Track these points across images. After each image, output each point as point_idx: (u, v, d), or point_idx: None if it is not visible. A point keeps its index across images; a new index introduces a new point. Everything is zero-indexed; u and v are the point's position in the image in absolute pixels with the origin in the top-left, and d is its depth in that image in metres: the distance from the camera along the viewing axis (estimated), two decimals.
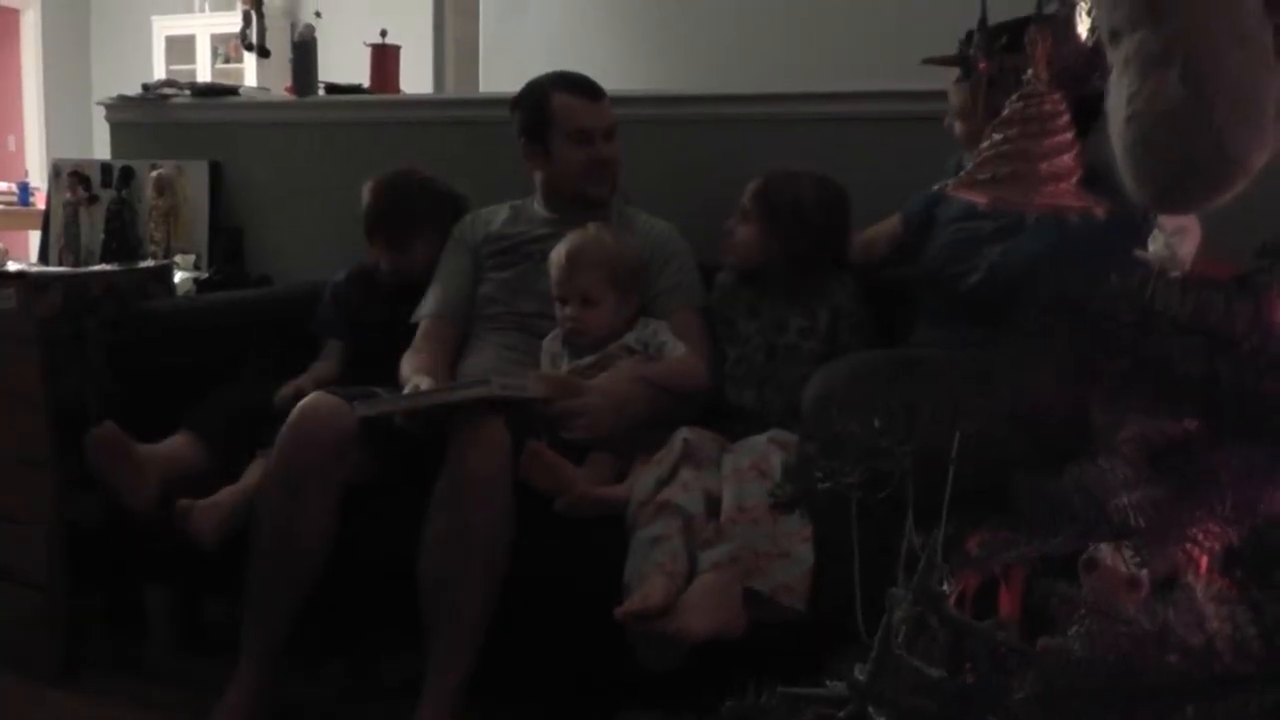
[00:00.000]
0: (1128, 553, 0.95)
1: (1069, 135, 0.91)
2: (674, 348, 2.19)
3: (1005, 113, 0.92)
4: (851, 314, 2.19)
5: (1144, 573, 0.98)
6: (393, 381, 2.21)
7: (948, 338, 2.02)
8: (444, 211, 2.51)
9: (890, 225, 2.34)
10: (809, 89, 2.68)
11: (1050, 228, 1.90)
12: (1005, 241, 2.02)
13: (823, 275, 2.21)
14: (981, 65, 0.96)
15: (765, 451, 1.87)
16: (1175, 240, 1.16)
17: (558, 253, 2.21)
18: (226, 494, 2.03)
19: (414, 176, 2.52)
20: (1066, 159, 0.90)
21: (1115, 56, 0.70)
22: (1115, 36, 0.70)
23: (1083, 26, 0.96)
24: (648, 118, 2.76)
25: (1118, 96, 0.70)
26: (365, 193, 2.50)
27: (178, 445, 2.14)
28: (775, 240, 2.20)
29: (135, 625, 2.39)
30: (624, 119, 2.49)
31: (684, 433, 1.94)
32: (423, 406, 1.98)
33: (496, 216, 2.51)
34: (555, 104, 2.38)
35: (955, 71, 1.91)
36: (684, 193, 2.63)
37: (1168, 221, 1.16)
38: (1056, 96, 0.91)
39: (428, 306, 2.42)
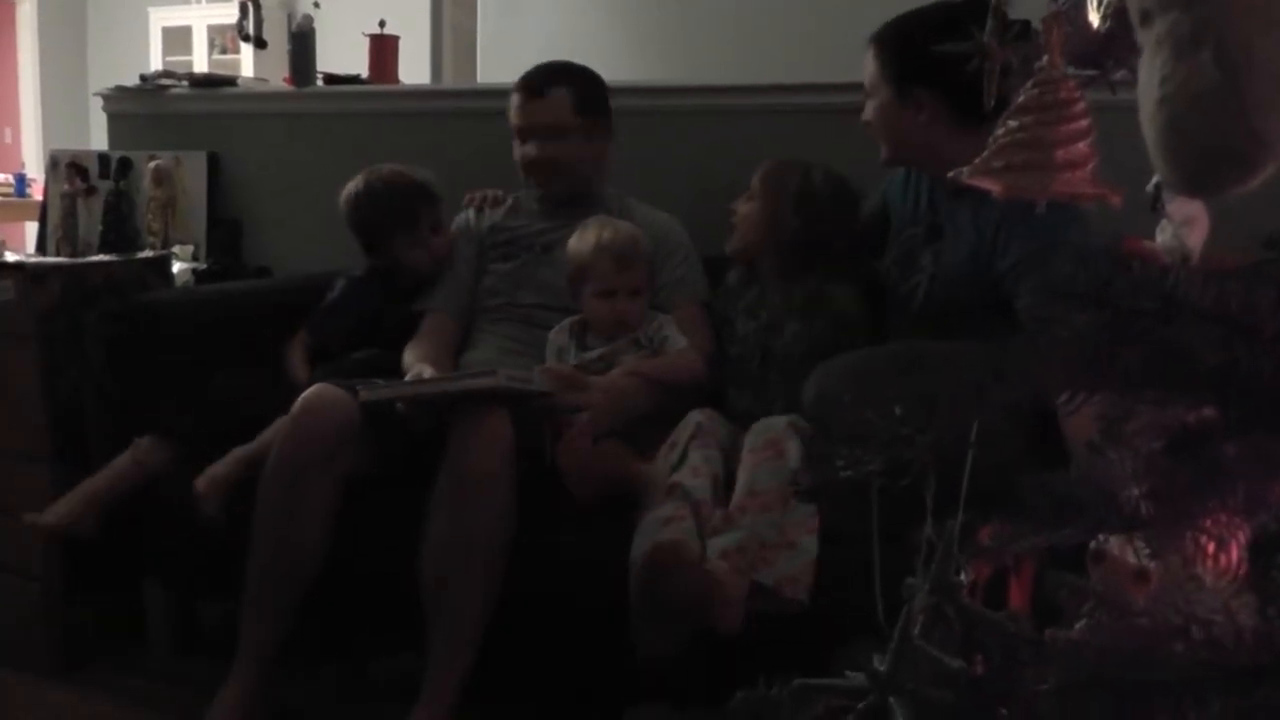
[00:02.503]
0: (1138, 544, 0.94)
1: (1084, 122, 0.90)
2: (675, 342, 2.19)
3: (1020, 100, 0.91)
4: (855, 327, 2.11)
5: (1153, 565, 0.98)
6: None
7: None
8: (378, 217, 2.43)
9: None
10: (807, 80, 2.68)
11: (963, 232, 1.92)
12: (934, 245, 2.03)
13: (824, 280, 2.15)
14: (995, 53, 0.95)
15: (784, 433, 1.84)
16: (1184, 231, 1.15)
17: (599, 244, 2.19)
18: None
19: (373, 183, 2.45)
20: (1082, 146, 0.89)
21: (1146, 38, 0.70)
22: (1146, 18, 0.69)
23: (1094, 14, 0.95)
24: (645, 109, 2.75)
25: (1149, 79, 0.69)
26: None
27: (132, 460, 2.12)
28: (776, 222, 2.15)
29: (133, 623, 2.38)
30: (621, 110, 2.48)
31: (696, 415, 1.93)
32: (427, 394, 1.96)
33: (500, 207, 2.51)
34: (510, 100, 2.39)
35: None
36: (682, 184, 2.62)
37: (1176, 212, 1.15)
38: (1072, 84, 0.90)
39: (432, 297, 2.41)
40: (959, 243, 1.97)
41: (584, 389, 2.04)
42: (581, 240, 2.23)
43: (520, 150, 2.40)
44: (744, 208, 2.21)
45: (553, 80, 2.37)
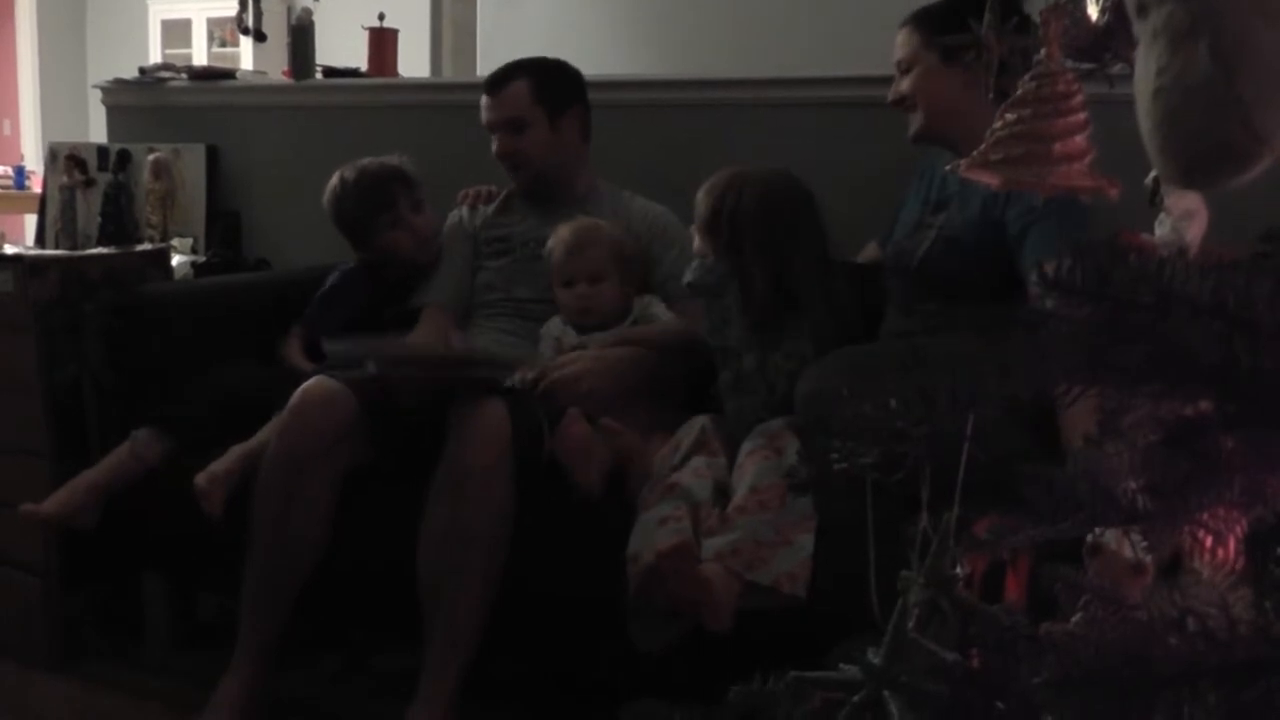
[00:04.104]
0: (1135, 537, 0.94)
1: (1082, 115, 0.90)
2: (664, 318, 2.21)
3: (1019, 93, 0.91)
4: (824, 347, 1.95)
5: (1149, 558, 0.98)
6: None
7: (916, 323, 2.01)
8: (358, 203, 2.45)
9: (870, 253, 2.34)
10: (806, 74, 2.68)
11: (976, 194, 1.93)
12: (943, 211, 2.04)
13: (787, 315, 2.00)
14: (994, 46, 0.95)
15: (783, 431, 1.84)
16: (1183, 224, 1.15)
17: (559, 238, 2.22)
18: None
19: (334, 190, 2.48)
20: (1079, 140, 0.89)
21: (1143, 30, 0.70)
22: (1143, 9, 0.69)
23: (1092, 7, 0.95)
24: (639, 102, 2.75)
25: (1145, 71, 0.69)
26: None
27: (130, 452, 2.12)
28: (721, 255, 2.03)
29: (132, 615, 2.39)
30: (615, 103, 2.48)
31: (702, 420, 1.92)
32: (433, 357, 2.00)
33: (492, 203, 2.51)
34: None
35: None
36: (679, 177, 2.62)
37: (1175, 205, 1.15)
38: (1070, 76, 0.90)
39: (427, 293, 2.42)
40: (970, 201, 1.96)
41: (571, 362, 2.06)
42: (558, 231, 2.25)
43: (494, 145, 2.42)
44: (695, 242, 2.10)
45: (510, 74, 2.39)
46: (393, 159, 2.50)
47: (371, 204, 2.43)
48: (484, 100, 2.40)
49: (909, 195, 2.22)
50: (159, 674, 2.25)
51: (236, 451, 2.02)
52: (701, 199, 2.08)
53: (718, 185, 2.06)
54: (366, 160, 2.49)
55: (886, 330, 2.10)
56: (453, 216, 2.54)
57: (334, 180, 2.48)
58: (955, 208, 2.01)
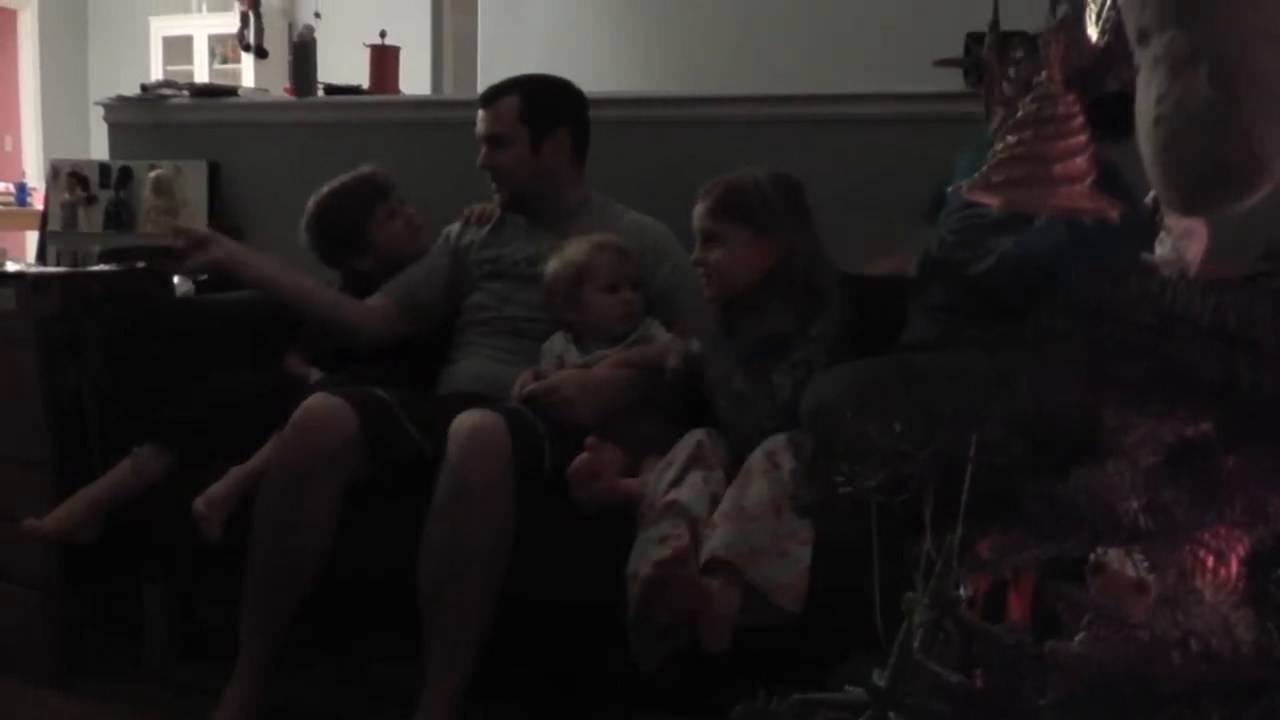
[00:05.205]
0: (1137, 557, 0.95)
1: (1083, 137, 0.90)
2: (661, 338, 2.21)
3: (1019, 115, 0.92)
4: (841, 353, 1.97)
5: (1151, 577, 0.98)
6: (407, 386, 2.19)
7: (944, 335, 1.96)
8: (355, 205, 2.50)
9: (896, 264, 2.28)
10: (799, 90, 2.69)
11: (1059, 223, 1.87)
12: (1015, 231, 1.91)
13: (808, 314, 2.01)
14: (994, 67, 0.96)
15: (783, 448, 1.84)
16: (1183, 243, 1.16)
17: (599, 244, 2.22)
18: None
19: (320, 204, 2.53)
20: (1080, 161, 0.90)
21: (1144, 57, 0.70)
22: (1144, 37, 0.70)
23: (1092, 29, 0.96)
24: (635, 118, 2.76)
25: (1146, 98, 0.69)
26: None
27: (132, 467, 2.13)
28: (757, 251, 2.03)
29: (132, 627, 2.38)
30: (612, 120, 2.50)
31: (698, 435, 1.92)
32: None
33: (487, 223, 2.51)
34: None
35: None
36: (675, 193, 2.62)
37: (1175, 224, 1.16)
38: (1070, 98, 0.90)
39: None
40: (1049, 230, 1.82)
41: (556, 388, 2.06)
42: (565, 255, 2.22)
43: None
44: (714, 255, 2.06)
45: (505, 90, 2.40)
46: (364, 169, 2.54)
47: (369, 199, 2.48)
48: (479, 113, 2.41)
49: (963, 162, 2.10)
50: (160, 684, 2.25)
51: (235, 473, 2.02)
52: (710, 188, 2.09)
53: (726, 177, 2.09)
54: (332, 182, 2.53)
55: (908, 340, 2.03)
56: (446, 230, 2.55)
57: (315, 201, 2.52)
58: (1032, 235, 1.87)
